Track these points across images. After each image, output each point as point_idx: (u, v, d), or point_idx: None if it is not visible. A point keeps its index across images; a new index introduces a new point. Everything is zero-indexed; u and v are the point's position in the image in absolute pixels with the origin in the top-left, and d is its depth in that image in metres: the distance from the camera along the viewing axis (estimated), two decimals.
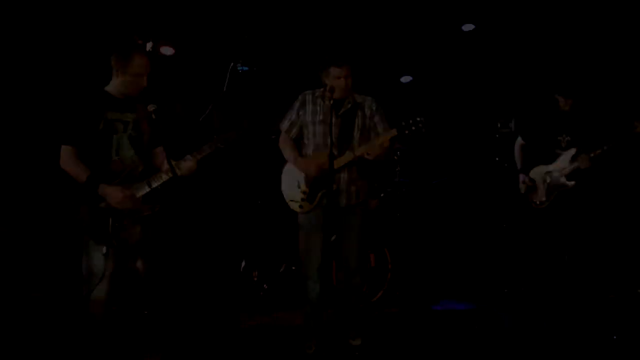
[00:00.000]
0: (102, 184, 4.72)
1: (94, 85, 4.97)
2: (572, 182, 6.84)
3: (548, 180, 7.02)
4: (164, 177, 4.88)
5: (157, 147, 5.10)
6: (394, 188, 8.02)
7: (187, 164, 4.93)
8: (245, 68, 7.47)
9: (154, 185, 4.87)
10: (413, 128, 5.30)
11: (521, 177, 7.26)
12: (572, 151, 6.86)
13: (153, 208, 4.89)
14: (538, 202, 7.09)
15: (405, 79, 9.54)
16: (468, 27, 8.48)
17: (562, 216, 6.95)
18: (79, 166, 4.74)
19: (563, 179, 6.89)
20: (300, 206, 5.57)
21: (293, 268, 7.49)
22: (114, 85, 4.93)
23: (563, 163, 6.92)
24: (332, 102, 5.37)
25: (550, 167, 7.03)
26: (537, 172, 7.14)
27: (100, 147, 4.83)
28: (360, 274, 5.64)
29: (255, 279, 7.47)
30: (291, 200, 5.66)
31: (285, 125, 5.78)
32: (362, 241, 5.67)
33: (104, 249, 4.67)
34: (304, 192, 5.54)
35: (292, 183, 5.68)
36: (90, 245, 4.74)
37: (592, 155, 6.67)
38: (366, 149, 5.40)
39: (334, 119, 5.42)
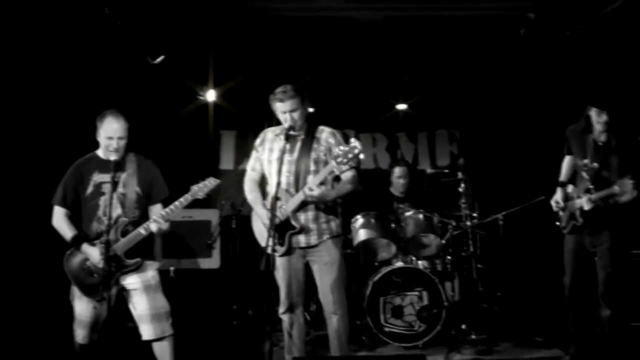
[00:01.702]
0: (84, 243, 5.20)
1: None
2: (581, 220, 6.02)
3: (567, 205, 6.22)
4: (143, 232, 5.24)
5: (155, 204, 5.45)
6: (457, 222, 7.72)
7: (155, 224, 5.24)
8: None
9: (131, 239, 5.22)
10: (349, 156, 5.21)
11: (557, 192, 6.35)
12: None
13: (136, 263, 5.25)
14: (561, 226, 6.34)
15: None
16: None
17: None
18: (65, 226, 5.30)
19: (578, 211, 6.05)
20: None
21: None
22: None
23: (579, 191, 6.11)
24: (284, 139, 5.44)
25: (570, 189, 6.29)
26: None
27: (88, 208, 5.29)
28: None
29: None
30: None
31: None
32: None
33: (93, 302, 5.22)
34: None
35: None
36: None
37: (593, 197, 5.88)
38: (308, 187, 5.34)
39: (286, 156, 5.50)
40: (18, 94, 6.94)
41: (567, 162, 6.49)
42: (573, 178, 6.31)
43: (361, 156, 5.30)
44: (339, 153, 5.23)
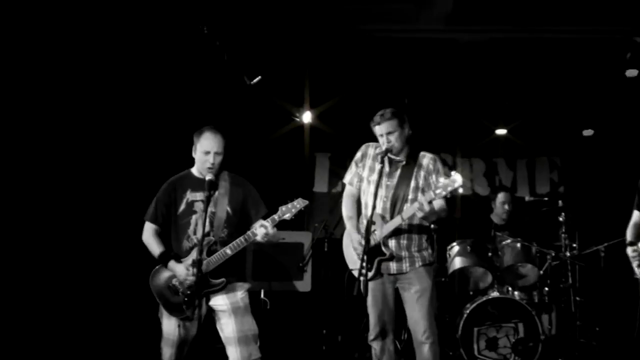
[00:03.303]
0: (172, 260, 5.15)
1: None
2: None
3: None
4: (229, 252, 5.13)
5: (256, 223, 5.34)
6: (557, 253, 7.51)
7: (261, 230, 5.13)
8: None
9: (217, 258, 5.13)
10: (449, 189, 5.03)
11: (629, 249, 5.72)
12: None
13: (221, 282, 5.15)
14: None
15: (588, 132, 9.43)
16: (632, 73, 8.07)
17: None
18: (154, 242, 5.27)
19: None
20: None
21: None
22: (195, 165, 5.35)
23: None
24: (382, 162, 5.32)
25: None
26: None
27: (179, 226, 5.25)
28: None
29: None
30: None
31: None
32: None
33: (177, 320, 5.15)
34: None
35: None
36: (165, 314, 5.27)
37: None
38: (409, 212, 5.25)
39: (384, 180, 5.43)
40: (117, 113, 7.12)
41: (636, 219, 5.87)
42: None
43: (460, 190, 5.15)
44: (438, 185, 5.10)
